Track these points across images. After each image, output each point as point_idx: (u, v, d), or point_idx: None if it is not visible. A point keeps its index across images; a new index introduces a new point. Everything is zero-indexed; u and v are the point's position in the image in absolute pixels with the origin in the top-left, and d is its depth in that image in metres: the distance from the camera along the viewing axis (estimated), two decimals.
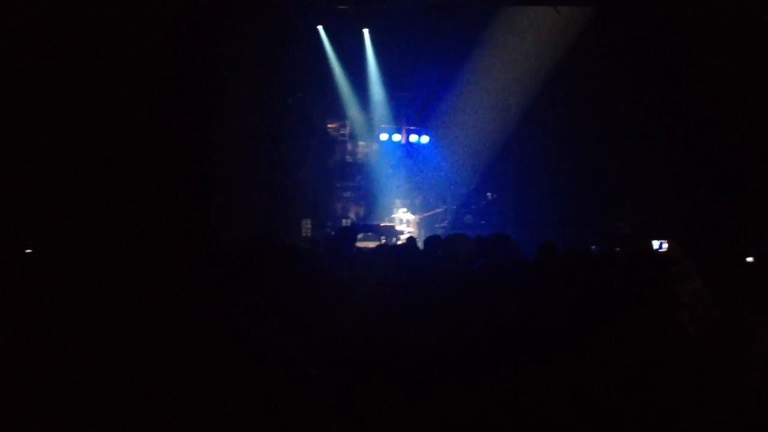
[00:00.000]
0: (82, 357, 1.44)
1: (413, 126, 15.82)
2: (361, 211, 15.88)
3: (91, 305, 1.51)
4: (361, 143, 16.22)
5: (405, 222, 14.65)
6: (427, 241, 6.03)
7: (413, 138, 15.77)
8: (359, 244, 10.37)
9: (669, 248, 9.59)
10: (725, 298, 3.32)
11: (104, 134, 1.76)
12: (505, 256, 4.68)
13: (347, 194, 16.03)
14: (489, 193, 15.39)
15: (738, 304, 3.26)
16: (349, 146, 16.23)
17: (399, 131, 15.77)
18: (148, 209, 1.63)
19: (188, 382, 1.49)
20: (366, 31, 14.66)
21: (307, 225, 14.59)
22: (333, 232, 13.04)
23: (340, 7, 13.29)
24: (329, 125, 15.91)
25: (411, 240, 9.40)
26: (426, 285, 3.01)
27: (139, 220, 1.61)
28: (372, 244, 10.71)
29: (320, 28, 14.44)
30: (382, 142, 15.85)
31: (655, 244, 10.10)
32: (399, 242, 12.10)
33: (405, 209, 15.02)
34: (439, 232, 12.97)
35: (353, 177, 16.16)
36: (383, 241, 13.11)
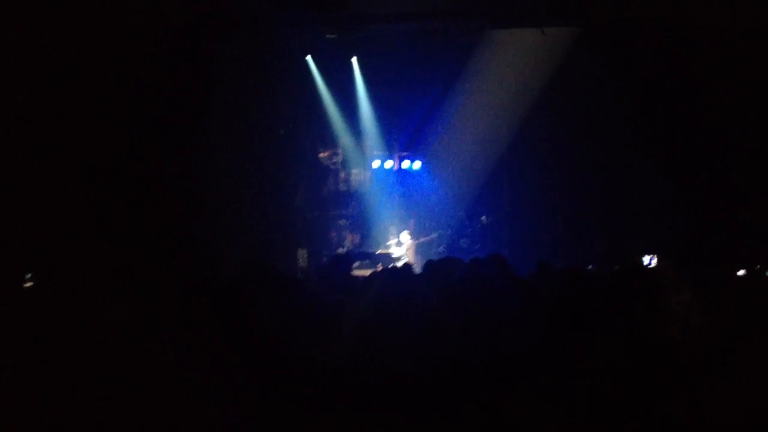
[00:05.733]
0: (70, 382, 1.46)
1: (405, 152, 15.88)
2: (357, 239, 15.85)
3: (81, 336, 1.53)
4: (353, 171, 16.23)
5: (403, 247, 14.57)
6: (426, 267, 6.04)
7: (405, 164, 15.81)
8: (356, 272, 10.32)
9: (658, 263, 9.69)
10: (718, 310, 3.34)
11: (92, 168, 1.79)
12: (499, 275, 4.69)
13: (342, 222, 16.00)
14: (484, 217, 15.37)
15: (731, 315, 3.28)
16: (342, 174, 16.23)
17: (391, 158, 15.80)
18: (137, 240, 1.65)
19: (182, 408, 1.50)
20: (354, 59, 14.78)
21: (303, 255, 14.58)
22: (325, 260, 13.01)
23: (327, 36, 13.41)
24: (321, 154, 15.95)
25: (406, 266, 9.38)
26: (420, 307, 3.01)
27: (129, 252, 1.63)
28: (368, 272, 10.70)
29: (309, 58, 14.55)
30: (375, 169, 15.89)
31: (645, 259, 10.20)
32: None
33: (407, 231, 14.85)
34: (435, 257, 12.90)
35: (347, 205, 16.14)
36: (380, 268, 13.06)
